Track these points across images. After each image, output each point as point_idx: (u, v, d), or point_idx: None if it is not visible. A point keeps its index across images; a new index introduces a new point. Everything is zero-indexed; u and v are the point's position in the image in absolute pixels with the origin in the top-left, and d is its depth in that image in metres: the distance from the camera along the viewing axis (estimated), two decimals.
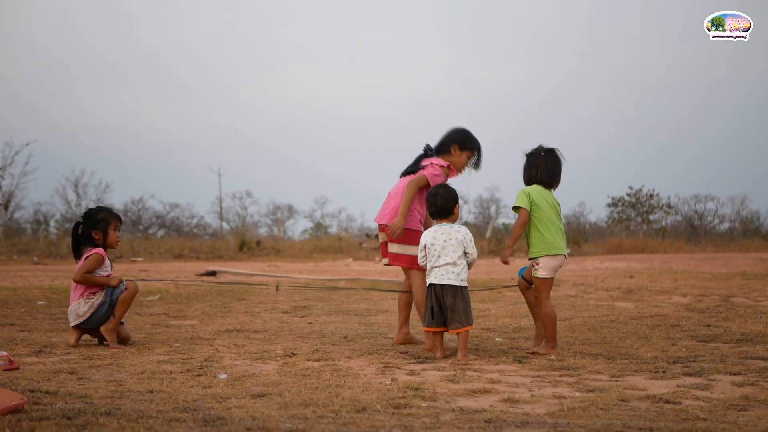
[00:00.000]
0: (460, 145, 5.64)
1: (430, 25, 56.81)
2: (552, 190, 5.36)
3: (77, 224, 5.79)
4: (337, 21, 57.35)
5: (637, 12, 53.89)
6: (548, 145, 5.38)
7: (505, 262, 5.32)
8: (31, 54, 49.98)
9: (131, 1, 52.79)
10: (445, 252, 5.05)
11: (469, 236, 5.12)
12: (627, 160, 53.67)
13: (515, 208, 5.30)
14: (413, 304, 5.70)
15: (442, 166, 5.57)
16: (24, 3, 47.83)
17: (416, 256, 5.39)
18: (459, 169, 5.66)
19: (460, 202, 5.33)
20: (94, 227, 5.75)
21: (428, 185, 5.50)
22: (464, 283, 5.04)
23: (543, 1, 56.03)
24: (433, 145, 5.73)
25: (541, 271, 5.25)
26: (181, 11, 55.32)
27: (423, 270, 5.33)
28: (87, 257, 5.65)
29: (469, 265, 5.13)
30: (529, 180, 5.36)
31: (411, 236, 5.55)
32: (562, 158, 5.35)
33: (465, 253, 5.09)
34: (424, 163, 5.65)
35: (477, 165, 5.71)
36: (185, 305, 8.88)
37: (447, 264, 5.04)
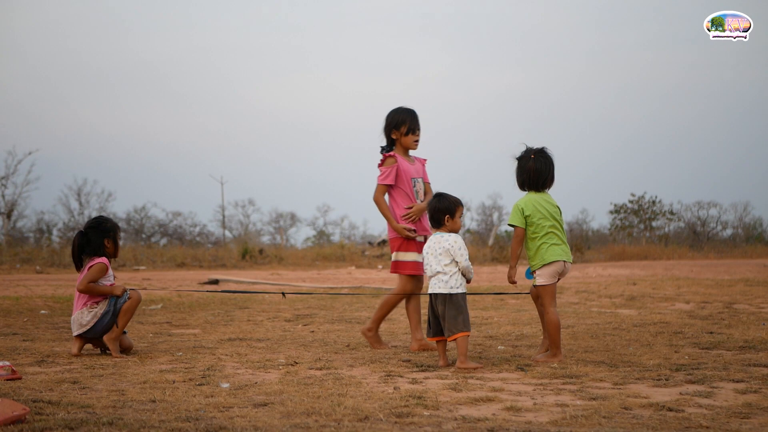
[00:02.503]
0: (396, 127, 5.92)
1: (434, 34, 56.86)
2: (547, 190, 5.38)
3: (81, 233, 5.79)
4: (340, 30, 57.46)
5: (637, 15, 53.82)
6: (535, 146, 5.39)
7: (513, 282, 5.37)
8: (33, 64, 50.04)
9: (131, 12, 52.88)
10: (436, 261, 5.11)
11: (458, 244, 5.09)
12: (629, 167, 53.61)
13: (511, 225, 5.36)
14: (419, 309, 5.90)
15: (383, 161, 5.90)
16: (24, 14, 47.97)
17: (402, 262, 5.85)
18: (412, 146, 5.95)
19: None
20: (106, 236, 5.77)
21: (387, 186, 5.88)
22: (454, 291, 5.04)
23: (543, 9, 56.07)
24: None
25: (539, 279, 5.28)
26: (181, 21, 55.41)
27: (407, 274, 5.83)
28: (91, 266, 5.65)
29: (465, 274, 5.11)
30: (522, 184, 5.39)
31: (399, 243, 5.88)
32: (552, 156, 5.38)
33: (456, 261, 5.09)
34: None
35: (413, 129, 5.93)
36: (188, 314, 8.88)
37: (438, 273, 5.09)
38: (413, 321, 5.88)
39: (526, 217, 5.29)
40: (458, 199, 5.25)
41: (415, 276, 5.87)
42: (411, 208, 5.86)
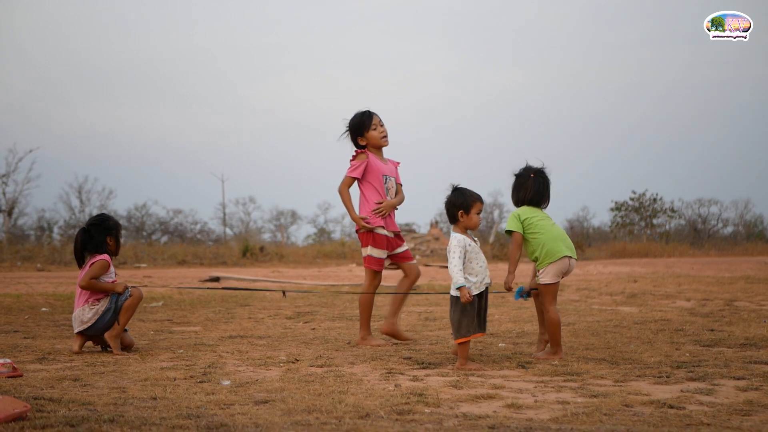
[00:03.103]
0: (359, 133, 6.10)
1: (432, 32, 56.89)
2: (542, 208, 5.39)
3: (83, 230, 5.79)
4: (338, 28, 57.44)
5: (637, 14, 53.91)
6: (536, 164, 5.42)
7: (509, 289, 5.28)
8: (33, 62, 50.09)
9: (132, 10, 52.91)
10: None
11: (451, 246, 4.95)
12: (630, 165, 53.66)
13: (508, 232, 5.32)
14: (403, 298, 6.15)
15: (354, 157, 6.08)
16: (25, 13, 47.96)
17: (367, 257, 5.99)
18: (381, 142, 6.11)
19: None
20: (108, 233, 5.78)
21: (353, 179, 6.06)
22: (457, 294, 4.90)
23: (543, 7, 56.06)
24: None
25: (545, 277, 5.25)
26: (183, 19, 55.46)
27: (373, 269, 6.01)
28: (93, 263, 5.66)
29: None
30: (518, 201, 5.39)
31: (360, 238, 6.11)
32: (549, 176, 5.40)
33: None
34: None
35: (375, 127, 6.08)
36: (189, 311, 8.88)
37: None
38: (394, 305, 6.11)
39: (523, 221, 5.27)
40: (476, 194, 5.04)
41: (380, 271, 6.12)
42: (381, 203, 6.02)
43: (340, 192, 6.07)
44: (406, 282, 6.11)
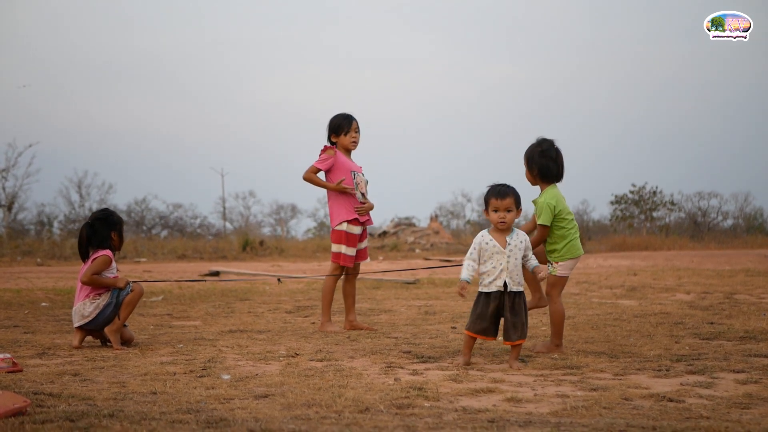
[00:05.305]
0: (335, 132, 6.56)
1: (429, 25, 56.81)
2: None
3: (88, 225, 5.79)
4: (337, 22, 57.35)
5: (637, 11, 53.85)
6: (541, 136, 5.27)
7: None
8: (33, 56, 49.99)
9: (132, 4, 52.81)
10: None
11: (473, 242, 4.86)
12: (630, 158, 53.62)
13: (542, 225, 5.12)
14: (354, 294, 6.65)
15: (323, 151, 6.52)
16: (26, 6, 47.88)
17: (338, 254, 6.47)
18: (350, 146, 6.57)
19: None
20: (113, 228, 5.79)
21: (318, 169, 6.50)
22: (480, 289, 4.81)
23: (543, 3, 56.03)
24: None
25: (562, 270, 5.20)
26: (183, 13, 55.35)
27: (339, 264, 6.50)
28: (95, 258, 5.66)
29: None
30: (547, 175, 5.17)
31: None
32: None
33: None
34: None
35: (349, 131, 6.53)
36: (188, 306, 8.88)
37: None
38: (347, 303, 6.61)
39: (557, 214, 5.11)
40: (495, 191, 4.71)
41: (345, 266, 6.57)
42: (365, 203, 6.57)
43: (308, 178, 6.48)
44: (351, 279, 6.61)
